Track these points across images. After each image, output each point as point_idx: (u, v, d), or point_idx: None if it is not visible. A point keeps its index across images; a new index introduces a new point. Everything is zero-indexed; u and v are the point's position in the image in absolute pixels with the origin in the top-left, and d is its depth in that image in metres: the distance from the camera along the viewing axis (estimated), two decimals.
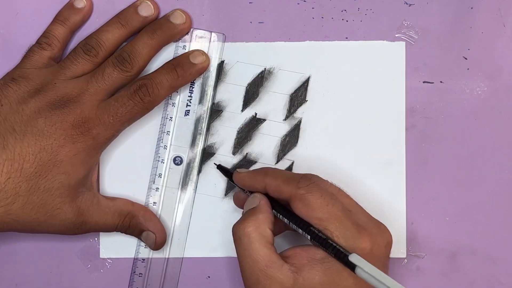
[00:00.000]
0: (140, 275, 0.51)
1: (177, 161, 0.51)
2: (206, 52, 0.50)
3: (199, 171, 0.51)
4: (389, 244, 0.44)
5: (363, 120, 0.51)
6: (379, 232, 0.43)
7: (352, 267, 0.40)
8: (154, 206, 0.51)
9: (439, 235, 0.51)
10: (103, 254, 0.51)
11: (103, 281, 0.51)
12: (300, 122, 0.51)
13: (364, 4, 0.50)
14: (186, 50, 0.50)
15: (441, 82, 0.51)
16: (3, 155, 0.44)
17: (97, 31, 0.49)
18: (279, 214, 0.45)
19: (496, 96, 0.51)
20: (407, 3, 0.51)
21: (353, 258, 0.40)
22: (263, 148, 0.51)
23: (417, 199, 0.51)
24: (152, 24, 0.49)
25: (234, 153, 0.51)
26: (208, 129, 0.51)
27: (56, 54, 0.49)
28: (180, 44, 0.50)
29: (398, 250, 0.50)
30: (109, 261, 0.51)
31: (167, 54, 0.50)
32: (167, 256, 0.51)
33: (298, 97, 0.51)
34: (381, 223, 0.44)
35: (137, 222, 0.49)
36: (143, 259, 0.51)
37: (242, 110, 0.51)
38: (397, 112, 0.50)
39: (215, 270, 0.51)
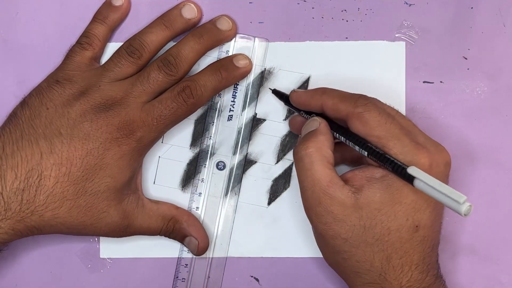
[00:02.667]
0: (183, 280, 0.51)
1: (220, 166, 0.51)
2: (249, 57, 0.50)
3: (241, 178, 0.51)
4: (448, 163, 0.43)
5: None
6: (437, 151, 0.43)
7: (410, 179, 0.40)
8: (197, 211, 0.51)
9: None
10: (103, 254, 0.51)
11: (103, 281, 0.51)
12: None
13: (364, 4, 0.50)
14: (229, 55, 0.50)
15: (441, 82, 0.51)
16: (50, 159, 0.44)
17: (141, 32, 0.49)
18: (336, 134, 0.45)
19: (496, 96, 0.51)
20: (407, 3, 0.51)
21: (412, 170, 0.40)
22: (263, 148, 0.51)
23: None
24: (199, 29, 0.49)
25: (234, 153, 0.51)
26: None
27: (97, 54, 0.49)
28: (224, 49, 0.50)
29: None
30: (109, 261, 0.51)
31: (211, 59, 0.50)
32: (210, 262, 0.51)
33: None
34: (439, 144, 0.44)
35: (180, 227, 0.49)
36: (186, 264, 0.51)
37: (242, 110, 0.51)
38: None
39: (215, 270, 0.51)
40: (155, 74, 0.47)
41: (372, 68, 0.51)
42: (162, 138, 0.51)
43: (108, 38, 0.50)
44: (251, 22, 0.51)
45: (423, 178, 0.39)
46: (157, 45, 0.48)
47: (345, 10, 0.51)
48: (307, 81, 0.51)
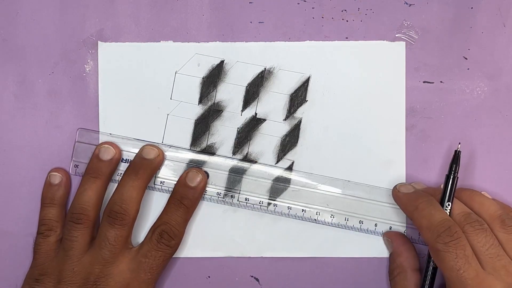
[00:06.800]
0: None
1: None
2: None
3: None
4: None
5: (363, 120, 0.51)
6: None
7: None
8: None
9: None
10: None
11: None
12: (300, 122, 0.51)
13: (364, 4, 0.50)
14: None
15: (441, 82, 0.51)
16: None
17: (76, 196, 0.49)
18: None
19: (496, 96, 0.51)
20: (407, 3, 0.51)
21: None
22: (263, 148, 0.51)
23: None
24: (131, 167, 0.49)
25: (234, 153, 0.51)
26: (208, 130, 0.51)
27: (61, 235, 0.49)
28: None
29: None
30: None
31: None
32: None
33: (298, 97, 0.51)
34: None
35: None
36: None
37: (242, 110, 0.51)
38: (397, 112, 0.50)
39: (215, 270, 0.51)
40: (110, 232, 0.47)
41: (372, 68, 0.51)
42: (162, 138, 0.51)
43: (64, 215, 0.50)
44: (251, 22, 0.51)
45: None
46: (97, 198, 0.49)
47: (345, 10, 0.51)
48: (307, 81, 0.51)
